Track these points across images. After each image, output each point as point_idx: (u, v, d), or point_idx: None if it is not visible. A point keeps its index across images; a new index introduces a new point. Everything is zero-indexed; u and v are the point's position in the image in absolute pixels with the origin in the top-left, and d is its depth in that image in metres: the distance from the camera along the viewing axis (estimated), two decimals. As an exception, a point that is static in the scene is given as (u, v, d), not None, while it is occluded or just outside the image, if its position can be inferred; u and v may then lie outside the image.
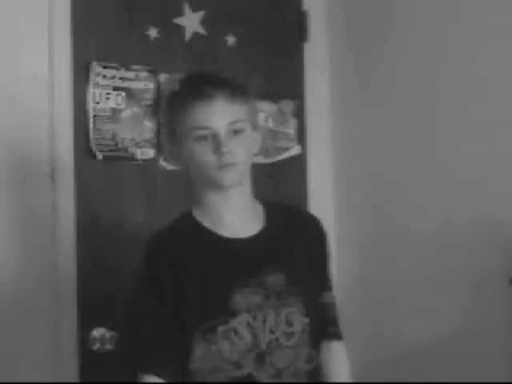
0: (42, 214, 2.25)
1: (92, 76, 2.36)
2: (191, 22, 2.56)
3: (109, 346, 2.31)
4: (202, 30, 2.58)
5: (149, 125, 2.46)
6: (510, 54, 2.32)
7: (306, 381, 1.76)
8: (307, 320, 1.76)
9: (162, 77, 2.49)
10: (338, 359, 1.85)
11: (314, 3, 2.80)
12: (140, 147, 2.44)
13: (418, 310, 2.45)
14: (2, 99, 2.20)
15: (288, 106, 2.73)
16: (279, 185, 2.69)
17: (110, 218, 2.39)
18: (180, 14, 2.55)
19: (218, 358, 1.70)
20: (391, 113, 2.61)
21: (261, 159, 2.68)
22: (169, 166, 2.49)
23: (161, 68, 2.49)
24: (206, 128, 1.71)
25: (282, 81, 2.73)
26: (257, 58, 2.68)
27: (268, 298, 1.73)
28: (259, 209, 1.86)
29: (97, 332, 2.31)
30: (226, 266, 1.73)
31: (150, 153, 2.46)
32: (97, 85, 2.37)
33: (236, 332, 1.71)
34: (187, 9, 2.56)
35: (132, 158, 2.43)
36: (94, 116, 2.36)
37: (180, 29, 2.55)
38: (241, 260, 1.74)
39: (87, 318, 2.31)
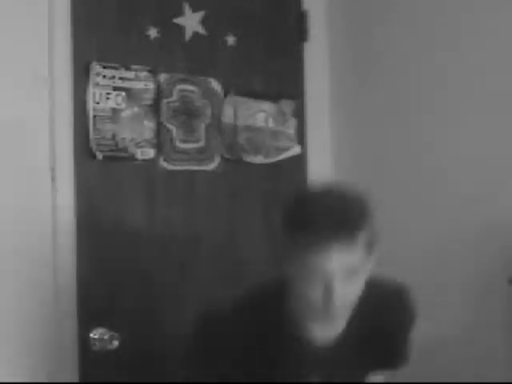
0: (42, 213, 2.25)
1: (92, 76, 2.35)
2: (191, 21, 2.56)
3: (109, 346, 2.31)
4: (202, 30, 2.58)
5: (149, 125, 2.46)
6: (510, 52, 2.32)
7: None
8: None
9: (162, 77, 2.49)
10: None
11: (314, 3, 2.80)
12: (140, 147, 2.44)
13: (417, 309, 2.44)
14: (1, 99, 2.20)
15: (288, 106, 2.73)
16: (279, 185, 2.70)
17: (109, 218, 2.39)
18: (180, 13, 2.55)
19: None
20: (391, 112, 2.61)
21: (261, 159, 2.69)
22: (169, 166, 2.49)
23: (161, 68, 2.49)
24: (319, 272, 1.60)
25: (281, 81, 2.73)
26: (257, 58, 2.68)
27: None
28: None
29: (97, 332, 2.31)
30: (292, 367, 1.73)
31: (150, 153, 2.46)
32: (97, 85, 2.37)
33: None
34: (187, 9, 2.56)
35: (132, 157, 2.43)
36: (94, 116, 2.36)
37: (180, 29, 2.54)
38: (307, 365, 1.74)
39: (87, 318, 2.31)
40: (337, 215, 1.61)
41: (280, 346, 1.73)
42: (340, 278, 1.61)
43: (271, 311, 1.73)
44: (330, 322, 1.69)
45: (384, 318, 1.81)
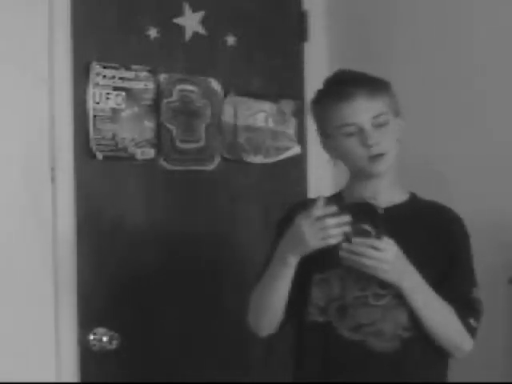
0: (41, 213, 2.25)
1: (92, 76, 2.35)
2: (191, 21, 2.56)
3: (109, 347, 2.31)
4: (202, 30, 2.58)
5: (149, 125, 2.46)
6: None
7: (394, 344, 1.83)
8: None
9: (162, 77, 2.49)
10: None
11: (314, 3, 2.80)
12: (140, 147, 2.44)
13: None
14: (1, 99, 2.20)
15: (288, 106, 2.73)
16: (279, 185, 2.70)
17: (110, 218, 2.39)
18: (180, 13, 2.55)
19: (309, 303, 1.88)
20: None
21: (261, 159, 2.69)
22: (169, 166, 2.49)
23: (161, 68, 2.49)
24: (353, 124, 1.86)
25: (281, 81, 2.73)
26: (257, 58, 2.68)
27: None
28: (400, 196, 1.96)
29: (97, 332, 2.31)
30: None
31: (150, 153, 2.46)
32: (97, 85, 2.36)
33: (328, 282, 1.83)
34: (187, 9, 2.56)
35: (132, 158, 2.43)
36: (94, 116, 2.36)
37: (180, 29, 2.54)
38: (354, 221, 1.83)
39: (87, 318, 2.31)
40: (359, 77, 1.92)
41: None
42: (369, 124, 1.85)
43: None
44: (375, 170, 1.88)
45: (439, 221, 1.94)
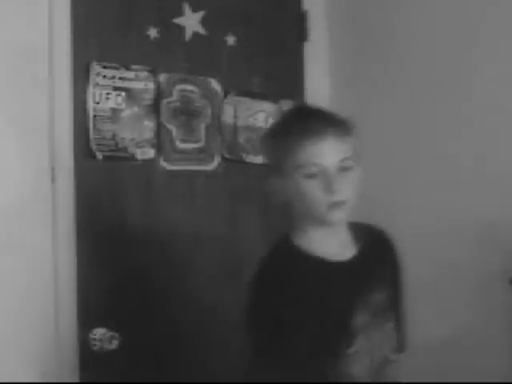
0: (42, 213, 2.25)
1: (92, 76, 2.36)
2: (191, 21, 2.56)
3: (109, 346, 2.31)
4: (202, 30, 2.58)
5: (149, 125, 2.46)
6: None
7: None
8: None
9: (162, 77, 2.49)
10: None
11: (314, 3, 2.80)
12: (140, 147, 2.44)
13: (418, 310, 2.45)
14: (1, 99, 2.20)
15: (288, 106, 2.73)
16: (279, 185, 2.70)
17: (109, 218, 2.39)
18: (180, 13, 2.55)
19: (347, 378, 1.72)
20: (391, 113, 2.61)
21: (261, 159, 2.68)
22: (169, 166, 2.49)
23: (161, 68, 2.49)
24: (317, 165, 1.68)
25: (282, 81, 2.73)
26: (257, 58, 2.68)
27: (374, 316, 1.75)
28: (348, 233, 1.82)
29: (97, 332, 2.31)
30: (338, 290, 1.72)
31: (150, 153, 2.46)
32: (97, 85, 2.37)
33: (358, 353, 1.72)
34: (187, 9, 2.56)
35: (132, 158, 2.43)
36: (94, 116, 2.36)
37: (180, 29, 2.55)
38: (350, 281, 1.74)
39: (87, 318, 2.31)
40: (327, 115, 1.75)
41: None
42: (335, 167, 1.68)
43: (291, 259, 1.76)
44: (334, 219, 1.71)
45: (386, 249, 1.89)
